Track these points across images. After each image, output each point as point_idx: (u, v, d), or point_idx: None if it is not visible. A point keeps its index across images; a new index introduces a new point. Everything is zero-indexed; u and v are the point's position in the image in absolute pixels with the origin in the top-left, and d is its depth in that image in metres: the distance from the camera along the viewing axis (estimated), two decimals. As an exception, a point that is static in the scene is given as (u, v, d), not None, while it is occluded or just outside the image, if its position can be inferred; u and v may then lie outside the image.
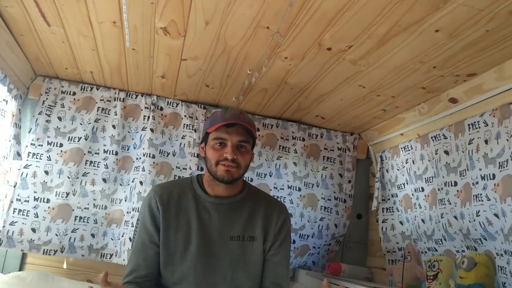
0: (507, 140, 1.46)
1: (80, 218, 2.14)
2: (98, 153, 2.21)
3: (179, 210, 1.59)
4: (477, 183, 1.58)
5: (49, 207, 2.10)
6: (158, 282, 1.60)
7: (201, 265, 1.54)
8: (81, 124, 2.20)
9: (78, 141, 2.18)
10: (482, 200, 1.54)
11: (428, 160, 1.95)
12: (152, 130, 2.24)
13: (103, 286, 1.25)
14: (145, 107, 2.29)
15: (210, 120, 1.61)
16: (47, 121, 2.16)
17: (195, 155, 2.27)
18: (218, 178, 1.55)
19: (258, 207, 1.66)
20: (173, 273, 1.55)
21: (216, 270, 1.56)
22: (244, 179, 2.30)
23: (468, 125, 1.67)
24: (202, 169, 2.28)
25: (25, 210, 2.07)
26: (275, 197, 2.34)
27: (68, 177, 2.13)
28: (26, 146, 2.13)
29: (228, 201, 1.62)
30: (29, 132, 2.15)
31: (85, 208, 2.16)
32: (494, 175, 1.50)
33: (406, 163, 2.13)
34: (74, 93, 2.23)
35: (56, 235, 2.09)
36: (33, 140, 2.13)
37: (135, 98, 2.30)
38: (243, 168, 1.57)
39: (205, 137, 1.62)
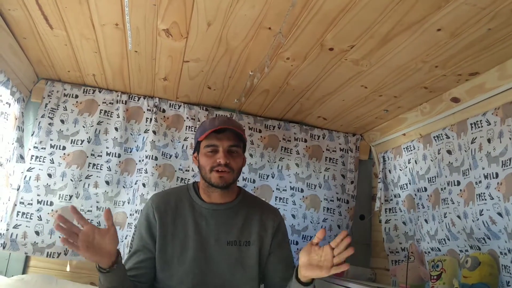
0: (510, 138, 1.46)
1: (83, 220, 2.14)
2: (101, 156, 2.21)
3: (176, 217, 1.63)
4: (480, 182, 1.58)
5: (52, 210, 2.10)
6: (155, 286, 1.63)
7: (199, 269, 1.57)
8: (83, 127, 2.21)
9: (81, 143, 2.18)
10: (486, 199, 1.54)
11: (431, 160, 1.94)
12: (154, 132, 2.24)
13: (110, 224, 1.38)
14: (148, 109, 2.30)
15: (200, 130, 1.66)
16: (49, 124, 2.17)
17: (198, 157, 2.27)
18: (213, 184, 1.59)
19: (253, 212, 1.69)
20: (171, 277, 1.58)
21: (215, 274, 1.58)
22: (246, 180, 2.33)
23: (471, 124, 1.67)
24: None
25: (29, 213, 2.07)
26: (278, 199, 2.36)
27: (71, 180, 2.14)
28: (29, 149, 2.13)
29: (224, 207, 1.65)
30: (32, 135, 2.16)
31: (88, 211, 2.16)
32: (497, 174, 1.50)
33: (409, 163, 2.12)
34: (76, 96, 2.23)
35: (60, 238, 2.08)
36: (36, 143, 2.13)
37: (138, 100, 2.30)
38: (236, 172, 1.62)
39: (197, 146, 1.66)
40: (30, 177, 2.10)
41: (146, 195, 2.13)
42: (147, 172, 2.18)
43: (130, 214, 2.17)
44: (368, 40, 1.46)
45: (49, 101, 2.19)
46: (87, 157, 2.18)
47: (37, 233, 2.06)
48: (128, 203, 2.22)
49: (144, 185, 2.16)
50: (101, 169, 2.20)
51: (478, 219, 1.58)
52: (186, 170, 2.28)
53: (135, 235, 1.67)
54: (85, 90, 2.25)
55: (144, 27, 1.57)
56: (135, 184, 2.22)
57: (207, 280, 1.57)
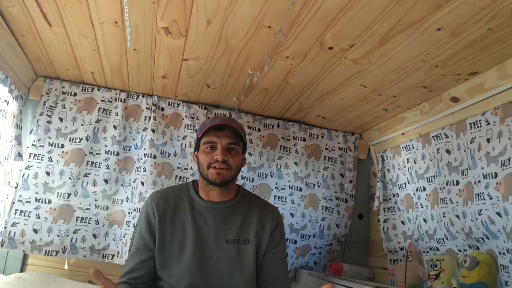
0: (509, 138, 1.46)
1: (82, 218, 2.14)
2: (99, 154, 2.21)
3: (175, 216, 1.62)
4: (479, 181, 1.58)
5: (50, 208, 2.10)
6: (155, 285, 1.63)
7: (197, 268, 1.56)
8: (82, 125, 2.20)
9: (79, 142, 2.18)
10: (484, 199, 1.54)
11: (430, 160, 1.94)
12: (153, 130, 2.24)
13: (102, 282, 1.31)
14: (146, 108, 2.29)
15: (200, 128, 1.67)
16: (48, 122, 2.16)
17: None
18: (210, 181, 1.59)
19: (252, 211, 1.68)
20: (170, 277, 1.58)
21: (213, 273, 1.58)
22: (245, 179, 2.33)
23: (470, 124, 1.67)
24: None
25: (27, 211, 2.06)
26: (276, 198, 2.36)
27: (70, 178, 2.13)
28: (27, 147, 2.12)
29: (222, 205, 1.64)
30: (30, 133, 2.15)
31: (86, 209, 2.16)
32: (496, 174, 1.50)
33: (408, 162, 2.12)
34: (75, 94, 2.22)
35: (58, 236, 2.09)
36: (34, 141, 2.13)
37: (136, 98, 2.30)
38: (234, 170, 1.61)
39: (197, 144, 1.67)
40: (28, 175, 2.09)
41: (144, 194, 2.13)
42: (145, 171, 2.18)
43: (129, 213, 2.17)
44: (367, 39, 1.46)
45: (48, 99, 2.18)
46: (86, 155, 2.18)
47: (35, 231, 2.06)
48: (127, 201, 2.21)
49: (142, 183, 2.16)
50: (99, 167, 2.19)
51: (477, 218, 1.58)
52: (184, 169, 2.28)
53: (135, 234, 1.67)
54: (84, 88, 2.24)
55: (143, 25, 1.57)
56: (134, 182, 2.22)
57: (206, 278, 1.57)
